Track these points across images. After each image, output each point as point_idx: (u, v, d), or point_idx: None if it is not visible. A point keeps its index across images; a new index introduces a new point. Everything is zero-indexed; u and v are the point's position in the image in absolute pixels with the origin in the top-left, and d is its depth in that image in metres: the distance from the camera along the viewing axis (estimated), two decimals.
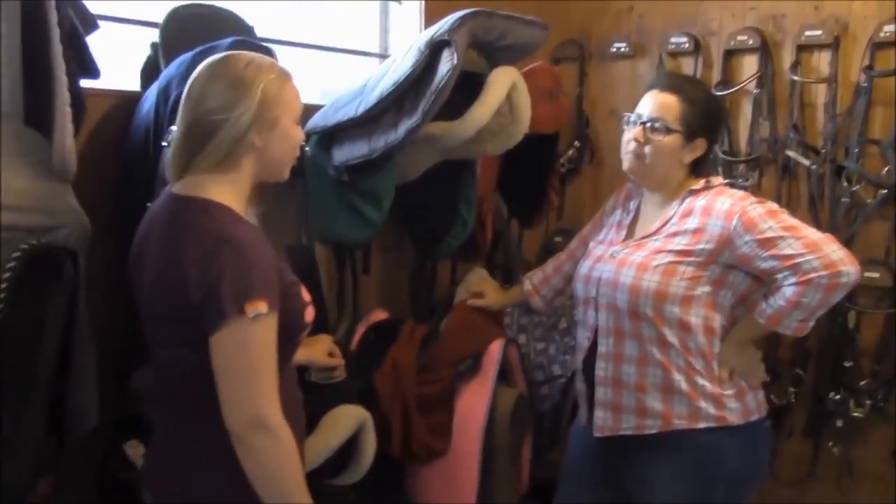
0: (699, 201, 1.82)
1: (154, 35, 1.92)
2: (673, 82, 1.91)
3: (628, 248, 1.89)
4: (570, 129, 2.96)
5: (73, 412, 1.55)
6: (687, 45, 2.75)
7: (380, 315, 2.39)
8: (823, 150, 2.53)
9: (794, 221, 1.73)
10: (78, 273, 1.47)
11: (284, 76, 1.43)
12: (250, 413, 1.32)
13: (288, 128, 1.44)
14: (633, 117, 1.89)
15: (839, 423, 2.55)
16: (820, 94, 2.56)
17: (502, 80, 2.06)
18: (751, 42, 2.63)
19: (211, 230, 1.34)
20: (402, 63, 1.99)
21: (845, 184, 2.50)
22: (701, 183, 1.85)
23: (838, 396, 2.55)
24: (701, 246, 1.77)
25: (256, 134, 1.38)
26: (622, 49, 2.90)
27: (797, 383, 2.65)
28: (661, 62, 2.80)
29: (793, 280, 1.68)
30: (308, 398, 1.71)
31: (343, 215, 2.11)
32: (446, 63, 1.92)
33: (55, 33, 1.38)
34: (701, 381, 1.79)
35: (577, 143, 2.98)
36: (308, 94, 2.33)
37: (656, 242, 1.84)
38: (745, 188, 2.65)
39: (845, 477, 2.60)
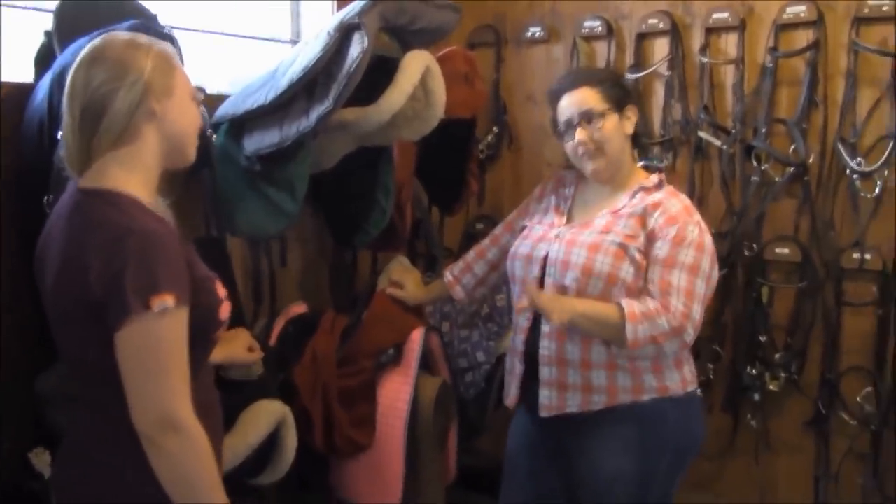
0: (651, 197, 1.87)
1: (48, 22, 1.82)
2: (576, 77, 1.97)
3: (576, 228, 1.91)
4: (488, 114, 2.96)
5: None
6: (600, 29, 2.77)
7: (299, 308, 2.34)
8: (733, 131, 2.58)
9: (703, 265, 1.80)
10: None
11: (168, 53, 1.38)
12: (159, 413, 1.26)
13: (185, 99, 1.39)
14: (562, 127, 1.93)
15: (756, 397, 2.62)
16: (729, 75, 2.62)
17: (415, 64, 2.03)
18: (661, 25, 2.67)
19: (114, 221, 1.28)
20: (311, 48, 1.94)
21: (755, 163, 2.55)
22: (653, 180, 1.91)
23: (754, 371, 2.61)
24: (643, 234, 1.83)
25: (154, 100, 1.33)
26: (537, 34, 2.90)
27: (715, 359, 2.70)
28: (574, 46, 2.82)
29: (654, 303, 1.77)
30: (226, 396, 1.66)
31: (256, 206, 2.05)
32: (357, 46, 1.88)
33: None
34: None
35: (495, 129, 2.97)
36: (217, 83, 2.28)
37: (602, 222, 1.87)
38: (660, 170, 2.70)
39: (763, 449, 2.67)
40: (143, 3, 1.97)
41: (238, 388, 1.83)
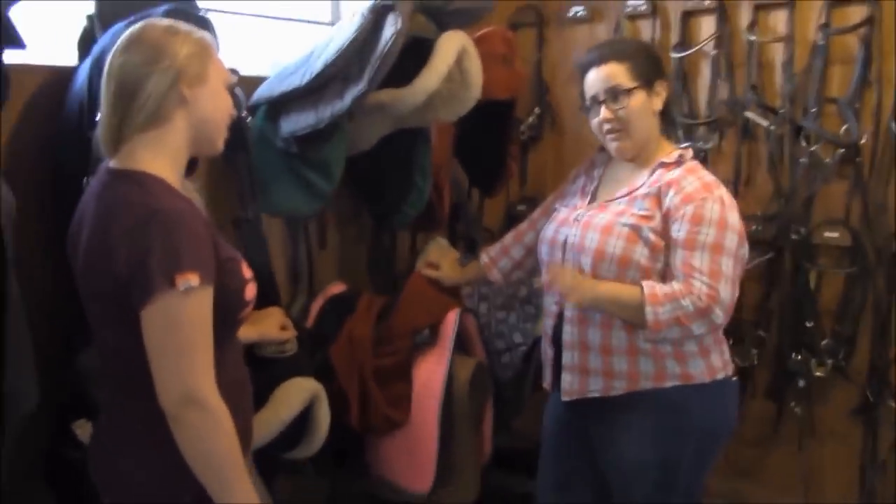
0: (669, 174, 1.81)
1: (91, 7, 1.86)
2: (605, 51, 1.89)
3: (593, 210, 1.88)
4: (530, 95, 2.93)
5: (9, 394, 1.52)
6: (644, 8, 2.71)
7: (337, 288, 2.36)
8: (782, 111, 2.51)
9: (727, 243, 1.73)
10: (4, 251, 1.42)
11: (205, 41, 1.40)
12: (183, 390, 1.29)
13: (217, 88, 1.42)
14: (588, 103, 1.89)
15: (801, 384, 2.56)
16: (777, 53, 2.54)
17: (451, 45, 2.02)
18: (707, 3, 2.60)
19: (141, 202, 1.31)
20: (346, 30, 1.95)
21: (804, 144, 2.48)
22: (674, 156, 1.85)
23: (800, 357, 2.55)
24: (659, 214, 1.78)
25: (185, 86, 1.35)
26: (580, 13, 2.86)
27: (760, 344, 2.65)
28: (618, 26, 2.77)
29: (678, 284, 1.72)
30: (260, 373, 1.69)
31: (293, 187, 2.08)
32: (390, 28, 1.89)
33: None
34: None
35: (537, 110, 2.94)
36: (257, 65, 2.30)
37: (620, 205, 1.84)
38: (705, 151, 2.65)
39: (808, 436, 2.61)
40: None
41: (272, 365, 1.87)
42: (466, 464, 2.26)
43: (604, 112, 1.85)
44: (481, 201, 2.79)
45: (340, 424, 2.04)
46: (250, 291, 1.47)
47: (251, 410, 1.55)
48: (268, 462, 1.85)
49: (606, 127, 1.86)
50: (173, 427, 1.30)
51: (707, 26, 2.63)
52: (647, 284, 1.75)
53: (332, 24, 2.64)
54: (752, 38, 2.54)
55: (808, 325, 2.54)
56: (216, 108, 1.42)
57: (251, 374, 1.57)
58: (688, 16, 2.66)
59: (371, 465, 2.25)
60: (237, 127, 1.97)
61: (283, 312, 1.95)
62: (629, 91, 1.82)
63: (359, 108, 1.96)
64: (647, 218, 1.78)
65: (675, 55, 2.65)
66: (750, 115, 2.56)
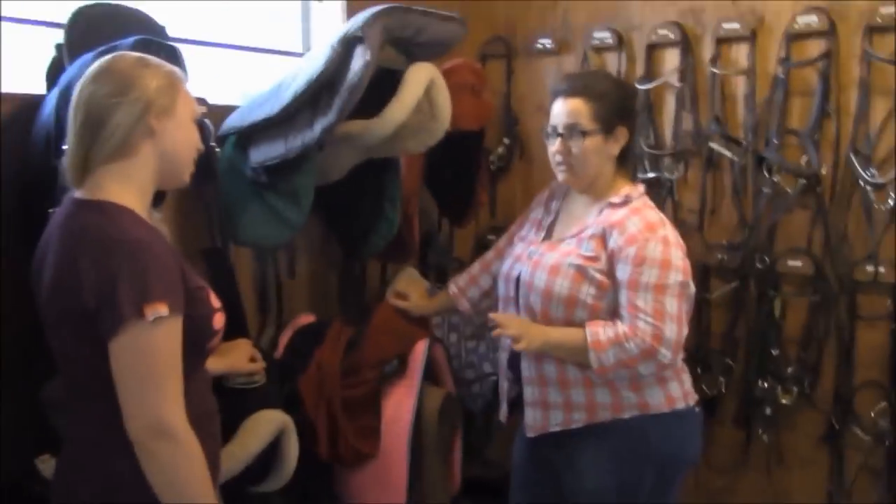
0: (615, 215, 1.84)
1: (60, 36, 1.86)
2: (576, 85, 1.92)
3: (543, 248, 1.91)
4: (499, 125, 2.96)
5: None
6: (610, 41, 2.76)
7: (306, 319, 2.36)
8: (745, 142, 2.56)
9: (670, 282, 1.75)
10: None
11: (175, 75, 1.40)
12: (151, 420, 1.28)
13: (185, 121, 1.42)
14: (548, 130, 1.93)
15: (768, 411, 2.58)
16: (740, 86, 2.59)
17: (419, 77, 2.05)
18: (672, 36, 2.65)
19: (108, 232, 1.30)
20: (315, 61, 1.97)
21: (767, 174, 2.53)
22: (621, 196, 1.87)
23: (766, 384, 2.58)
24: (604, 255, 1.81)
25: (153, 118, 1.35)
26: (547, 45, 2.90)
27: (727, 373, 2.68)
28: (585, 58, 2.81)
29: (624, 326, 1.75)
30: (228, 405, 1.67)
31: (261, 216, 2.07)
32: (359, 59, 1.90)
33: None
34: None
35: (506, 141, 2.97)
36: (227, 95, 2.31)
37: (569, 246, 1.87)
38: (671, 181, 2.69)
39: (776, 463, 2.63)
40: (153, 14, 2.01)
41: (240, 396, 1.85)
42: (436, 494, 2.26)
43: (557, 144, 1.89)
44: (451, 231, 2.80)
45: (309, 456, 2.02)
46: (219, 321, 1.46)
47: (219, 442, 1.54)
48: (236, 495, 1.82)
49: (557, 159, 1.91)
50: (141, 457, 1.28)
51: (671, 59, 2.69)
52: (590, 331, 1.77)
53: (302, 54, 2.66)
54: (715, 70, 2.60)
55: (774, 352, 2.57)
56: (183, 141, 1.43)
57: (219, 406, 1.56)
58: (652, 49, 2.72)
59: (341, 497, 2.23)
60: (206, 157, 1.96)
61: (252, 343, 1.94)
62: (585, 133, 1.85)
63: (328, 139, 1.97)
64: (593, 259, 1.81)
65: (640, 87, 2.70)
66: (714, 145, 2.61)
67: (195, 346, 1.39)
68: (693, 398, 1.92)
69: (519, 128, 3.00)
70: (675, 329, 1.74)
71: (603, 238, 1.81)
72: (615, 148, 1.88)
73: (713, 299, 2.68)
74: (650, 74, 2.72)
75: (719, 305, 2.69)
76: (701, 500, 2.78)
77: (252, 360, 1.88)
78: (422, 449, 2.18)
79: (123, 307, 1.25)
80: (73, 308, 1.30)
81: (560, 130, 1.88)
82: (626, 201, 1.86)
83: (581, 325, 1.80)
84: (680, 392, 1.87)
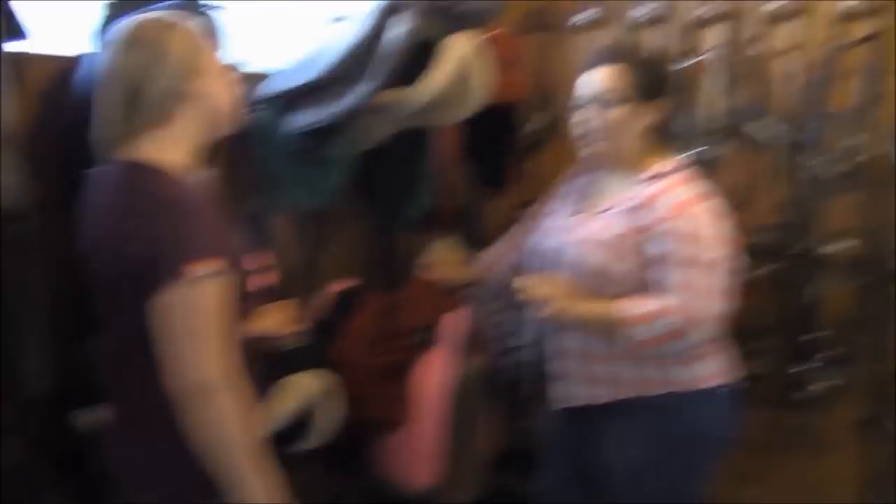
0: (651, 189, 1.77)
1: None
2: (601, 56, 1.84)
3: (574, 222, 1.87)
4: (534, 99, 2.94)
5: (22, 378, 1.54)
6: (650, 15, 2.72)
7: (341, 285, 2.38)
8: (786, 123, 2.52)
9: (706, 257, 1.68)
10: (18, 238, 1.44)
11: (199, 30, 1.43)
12: (193, 377, 1.30)
13: (218, 73, 1.44)
14: (573, 101, 1.85)
15: (803, 394, 2.55)
16: (784, 64, 2.54)
17: (457, 48, 2.04)
18: (715, 12, 2.60)
19: (154, 191, 1.33)
20: (355, 28, 1.98)
21: (808, 156, 2.48)
22: (658, 169, 1.80)
23: (802, 367, 2.55)
24: (639, 230, 1.75)
25: (189, 80, 1.37)
26: (586, 20, 2.87)
27: (763, 354, 2.64)
28: (624, 33, 2.78)
29: (654, 303, 1.69)
30: (265, 366, 1.70)
31: (299, 183, 2.09)
32: (399, 28, 1.91)
33: None
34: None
35: (541, 115, 2.95)
36: (266, 61, 2.32)
37: (602, 220, 1.81)
38: (706, 162, 2.64)
39: (810, 447, 2.60)
40: None
41: (277, 359, 1.88)
42: (468, 463, 2.27)
43: (578, 115, 1.81)
44: (486, 203, 2.80)
45: (342, 420, 2.05)
46: (256, 283, 1.48)
47: (255, 403, 1.55)
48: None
49: (579, 131, 1.83)
50: (185, 415, 1.30)
51: (713, 35, 2.64)
52: (620, 306, 1.71)
53: (341, 22, 2.66)
54: (759, 48, 2.55)
55: (811, 335, 2.54)
56: (220, 93, 1.44)
57: (255, 367, 1.58)
58: (694, 24, 2.68)
59: (372, 463, 2.25)
60: (245, 122, 1.99)
61: (288, 307, 1.96)
62: (613, 101, 1.77)
63: (365, 107, 1.98)
64: (626, 235, 1.75)
65: (680, 64, 2.66)
66: (755, 126, 2.57)
67: (233, 306, 1.40)
68: (728, 376, 1.87)
69: (555, 102, 2.98)
70: (711, 305, 1.68)
71: (636, 213, 1.76)
72: (645, 119, 1.79)
73: (750, 280, 2.64)
74: (690, 51, 2.68)
75: (756, 287, 2.65)
76: (732, 482, 2.75)
77: (287, 323, 1.90)
78: (454, 418, 2.19)
79: (169, 265, 1.27)
80: (118, 267, 1.32)
81: (585, 101, 1.80)
82: (661, 175, 1.80)
83: (611, 297, 1.76)
84: (713, 370, 1.82)
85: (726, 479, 2.71)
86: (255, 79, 2.05)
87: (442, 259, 2.36)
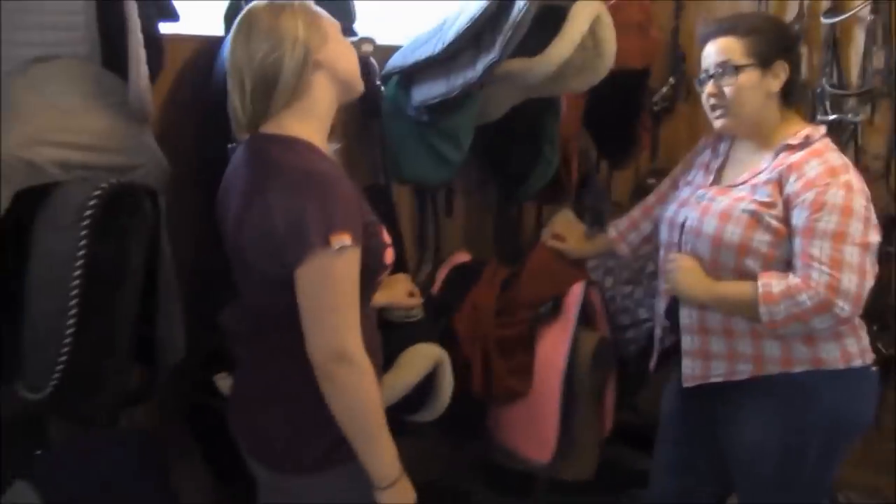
0: (792, 158, 1.71)
1: None
2: (725, 25, 1.80)
3: (712, 193, 1.81)
4: (665, 64, 2.83)
5: (161, 345, 1.63)
6: None
7: (463, 257, 2.39)
8: None
9: (851, 230, 1.60)
10: (158, 211, 1.52)
11: (308, 4, 1.44)
12: (334, 346, 1.34)
13: (338, 39, 1.45)
14: (701, 75, 1.82)
15: None
16: None
17: (584, 13, 1.98)
18: None
19: (295, 165, 1.36)
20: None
21: None
22: (799, 137, 1.74)
23: None
24: (780, 201, 1.69)
25: (315, 53, 1.39)
26: None
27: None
28: None
29: (797, 278, 1.62)
30: (387, 337, 1.74)
31: (422, 155, 2.10)
32: None
33: None
34: None
35: (672, 80, 2.84)
36: (392, 35, 2.34)
37: (742, 191, 1.76)
38: (855, 125, 2.49)
39: None
40: None
41: (399, 330, 1.91)
42: (587, 438, 2.25)
43: (709, 87, 1.78)
44: (610, 173, 2.73)
45: (463, 391, 2.07)
46: (389, 256, 1.50)
47: (381, 372, 1.60)
48: (392, 424, 1.90)
49: (711, 102, 1.80)
50: (322, 382, 1.35)
51: None
52: (761, 283, 1.66)
53: None
54: None
55: None
56: (346, 58, 1.46)
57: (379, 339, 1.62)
58: None
59: (492, 433, 2.27)
60: (371, 96, 2.01)
61: (411, 279, 1.99)
62: (739, 68, 1.74)
63: (490, 78, 1.96)
64: (768, 205, 1.69)
65: (826, 21, 2.49)
66: None
67: (367, 278, 1.43)
68: (870, 356, 1.77)
69: (686, 67, 2.86)
70: (856, 280, 1.60)
71: (779, 182, 1.69)
72: (775, 84, 1.75)
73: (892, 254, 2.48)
74: (837, 7, 2.50)
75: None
76: (869, 466, 2.62)
77: (411, 294, 1.93)
78: (574, 392, 2.18)
79: (311, 236, 1.30)
80: (261, 237, 1.36)
81: (711, 71, 1.78)
82: (805, 143, 1.73)
83: (752, 275, 1.69)
84: (857, 348, 1.74)
85: (862, 466, 2.61)
86: (382, 52, 2.06)
87: (565, 230, 2.33)
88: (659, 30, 2.62)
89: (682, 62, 2.84)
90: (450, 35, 1.96)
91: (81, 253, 1.35)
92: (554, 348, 2.16)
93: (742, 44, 1.74)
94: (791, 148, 1.73)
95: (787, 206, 1.67)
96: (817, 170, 1.66)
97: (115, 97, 1.47)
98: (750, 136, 1.81)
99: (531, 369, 2.17)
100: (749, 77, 1.74)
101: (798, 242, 1.65)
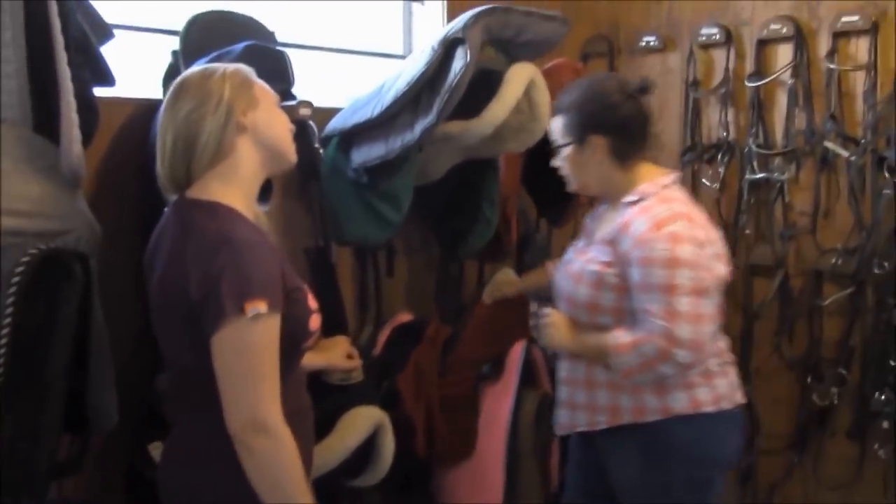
0: (626, 215, 1.78)
1: (175, 43, 1.95)
2: (556, 103, 1.91)
3: (573, 254, 1.92)
4: None
5: (92, 411, 1.58)
6: (718, 37, 2.68)
7: (405, 317, 2.39)
8: (863, 141, 2.44)
9: (680, 280, 1.67)
10: (90, 276, 1.49)
11: (243, 70, 1.45)
12: (249, 415, 1.31)
13: (269, 106, 1.46)
14: None
15: (885, 425, 2.44)
16: (858, 82, 2.47)
17: (519, 77, 2.04)
18: (784, 31, 2.55)
19: (213, 230, 1.35)
20: (416, 63, 1.99)
21: (887, 175, 2.39)
22: (637, 193, 1.80)
23: (883, 397, 2.44)
24: (617, 259, 1.76)
25: (240, 115, 1.40)
26: (651, 43, 2.84)
27: (841, 383, 2.55)
28: (691, 54, 2.74)
29: (641, 330, 1.71)
30: (326, 400, 1.72)
31: (363, 216, 2.11)
32: (459, 61, 1.91)
33: (59, 40, 1.40)
34: None
35: None
36: (332, 98, 2.37)
37: (590, 252, 1.84)
38: (781, 182, 2.59)
39: (893, 481, 2.49)
40: (262, 20, 2.09)
41: (338, 392, 1.89)
42: (532, 497, 2.24)
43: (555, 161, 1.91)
44: (549, 230, 2.78)
45: (406, 452, 2.05)
46: (315, 322, 1.49)
47: (312, 440, 1.56)
48: (332, 489, 1.86)
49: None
50: (241, 453, 1.32)
51: (784, 54, 2.59)
52: (612, 336, 1.75)
53: (403, 57, 2.70)
54: (832, 66, 2.48)
55: (893, 363, 2.43)
56: (275, 124, 1.46)
57: (317, 401, 1.59)
58: (763, 44, 2.62)
59: (436, 495, 2.24)
60: (310, 157, 2.02)
61: (350, 341, 1.98)
62: (560, 147, 1.86)
63: (428, 140, 1.99)
64: (608, 264, 1.77)
65: (750, 84, 2.61)
66: (829, 145, 2.50)
67: (291, 345, 1.41)
68: (729, 402, 1.83)
69: None
70: (689, 328, 1.67)
71: (613, 242, 1.77)
72: (595, 156, 1.81)
73: (826, 306, 2.56)
74: (761, 71, 2.62)
75: (833, 313, 2.57)
76: None
77: (349, 356, 1.91)
78: (518, 450, 2.17)
79: (225, 302, 1.29)
80: (179, 302, 1.34)
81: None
82: (639, 199, 1.79)
83: (608, 329, 1.78)
84: (709, 396, 1.80)
85: None
86: (321, 115, 2.08)
87: (505, 288, 2.34)
88: None
89: None
90: (388, 98, 1.99)
91: (7, 321, 1.31)
92: (497, 407, 2.15)
93: (562, 122, 1.85)
94: (627, 205, 1.80)
95: (624, 264, 1.74)
96: (643, 227, 1.72)
97: (46, 161, 1.45)
98: (605, 196, 1.90)
99: (475, 429, 2.16)
100: (570, 152, 1.84)
101: (636, 297, 1.72)
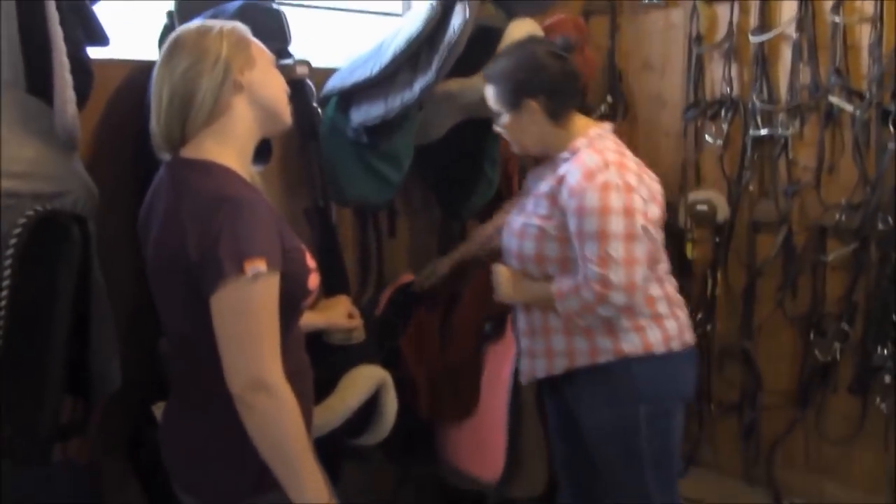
0: (562, 169, 1.82)
1: (170, 4, 1.92)
2: (486, 71, 1.90)
3: (516, 213, 1.95)
4: (602, 83, 2.89)
5: (95, 375, 1.59)
6: None
7: (407, 278, 2.38)
8: (868, 95, 2.41)
9: (611, 227, 1.73)
10: (88, 238, 1.49)
11: (239, 29, 1.42)
12: (251, 375, 1.30)
13: (266, 66, 1.44)
14: None
15: (887, 379, 2.45)
16: (864, 35, 2.43)
17: (519, 33, 2.01)
18: None
19: (210, 190, 1.34)
20: (415, 20, 1.97)
21: (892, 129, 2.37)
22: (572, 148, 1.84)
23: (886, 351, 2.45)
24: (557, 211, 1.81)
25: (237, 73, 1.38)
26: None
27: (843, 338, 2.55)
28: (694, 9, 2.69)
29: (580, 276, 1.78)
30: (327, 360, 1.71)
31: (362, 177, 2.10)
32: (458, 17, 1.89)
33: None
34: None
35: (609, 99, 2.89)
36: (330, 57, 2.34)
37: (529, 207, 1.90)
38: (785, 138, 2.57)
39: (894, 434, 2.50)
40: None
41: (339, 352, 1.89)
42: (535, 455, 2.25)
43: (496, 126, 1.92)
44: None
45: (409, 412, 2.06)
46: (313, 281, 1.48)
47: (311, 399, 1.56)
48: (335, 448, 1.88)
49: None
50: (242, 412, 1.32)
51: (788, 8, 2.54)
52: (554, 283, 1.84)
53: (402, 15, 2.66)
54: (837, 19, 2.44)
55: (895, 318, 2.43)
56: (271, 85, 1.44)
57: (319, 361, 1.59)
58: None
59: (440, 453, 2.26)
60: (309, 117, 2.01)
61: (351, 301, 1.98)
62: (499, 113, 1.88)
63: (428, 98, 1.98)
64: (546, 217, 1.83)
65: (754, 39, 2.57)
66: (834, 100, 2.47)
67: (289, 304, 1.40)
68: (679, 342, 1.89)
69: (623, 86, 2.92)
70: (622, 272, 1.73)
71: (553, 195, 1.82)
72: (531, 119, 1.84)
73: (830, 262, 2.55)
74: (765, 25, 2.58)
75: (836, 268, 2.56)
76: (812, 471, 2.68)
77: (350, 316, 1.91)
78: (521, 409, 2.18)
79: (224, 263, 1.28)
80: (176, 263, 1.33)
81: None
82: (574, 152, 1.83)
83: (555, 275, 1.85)
84: (660, 337, 1.87)
85: (805, 470, 2.66)
86: (320, 75, 2.06)
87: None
88: (594, 49, 2.68)
89: (618, 81, 2.90)
90: (387, 56, 1.97)
91: (6, 283, 1.31)
92: (498, 366, 2.16)
93: (494, 91, 1.86)
94: (564, 160, 1.84)
95: (563, 215, 1.80)
96: (576, 176, 1.78)
97: (41, 123, 1.44)
98: (545, 154, 1.93)
99: (477, 388, 2.17)
100: (508, 119, 1.87)
101: (576, 246, 1.79)
